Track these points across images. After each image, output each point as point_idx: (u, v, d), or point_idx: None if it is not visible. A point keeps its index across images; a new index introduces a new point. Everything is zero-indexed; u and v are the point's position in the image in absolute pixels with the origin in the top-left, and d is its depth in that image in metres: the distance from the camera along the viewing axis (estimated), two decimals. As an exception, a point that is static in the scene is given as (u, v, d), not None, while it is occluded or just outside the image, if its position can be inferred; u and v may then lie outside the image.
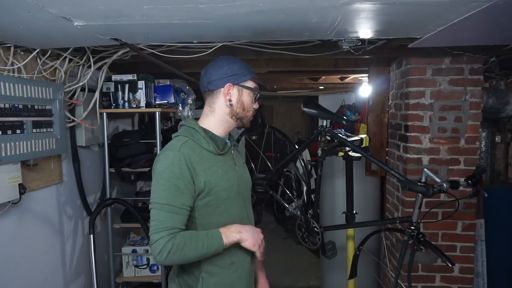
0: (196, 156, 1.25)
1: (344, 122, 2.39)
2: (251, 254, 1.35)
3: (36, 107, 1.81)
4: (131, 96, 2.49)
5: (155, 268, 2.73)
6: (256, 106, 1.38)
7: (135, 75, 2.48)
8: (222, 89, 1.31)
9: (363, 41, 1.94)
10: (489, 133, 2.90)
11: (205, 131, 1.33)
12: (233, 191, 1.31)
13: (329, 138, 2.23)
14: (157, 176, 1.22)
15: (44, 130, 1.88)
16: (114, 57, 2.13)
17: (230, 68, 1.31)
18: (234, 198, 1.33)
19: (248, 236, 1.27)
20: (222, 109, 1.33)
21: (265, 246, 1.35)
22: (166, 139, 2.80)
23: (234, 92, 1.32)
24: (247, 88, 1.33)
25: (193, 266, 1.30)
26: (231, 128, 1.39)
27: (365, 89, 3.62)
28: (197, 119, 1.40)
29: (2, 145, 1.59)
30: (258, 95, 1.38)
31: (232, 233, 1.25)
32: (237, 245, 1.29)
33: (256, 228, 1.34)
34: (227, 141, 1.39)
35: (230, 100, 1.32)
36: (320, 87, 4.70)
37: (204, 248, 1.19)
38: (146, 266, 2.71)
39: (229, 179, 1.30)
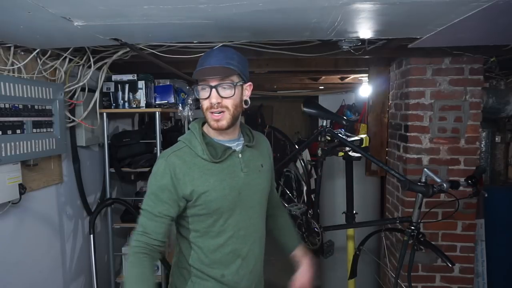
0: (185, 165, 1.20)
1: (344, 122, 2.40)
2: (250, 268, 1.32)
3: (36, 107, 1.81)
4: (131, 96, 2.48)
5: (155, 268, 2.72)
6: (207, 98, 1.19)
7: (135, 75, 2.48)
8: None
9: (363, 41, 1.94)
10: (489, 133, 2.89)
11: (204, 135, 1.27)
12: (228, 201, 1.23)
13: (329, 138, 2.23)
14: (147, 182, 1.26)
15: (44, 130, 1.87)
16: (114, 57, 2.13)
17: None
18: (230, 208, 1.25)
19: None
20: None
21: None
22: (166, 139, 2.81)
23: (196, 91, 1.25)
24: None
25: (184, 268, 1.31)
26: (220, 131, 1.24)
27: (365, 89, 3.62)
28: None
29: (2, 145, 1.59)
30: (199, 87, 1.21)
31: None
32: (230, 258, 1.27)
33: None
34: (232, 145, 1.29)
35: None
36: (320, 87, 4.69)
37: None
38: (146, 266, 2.70)
39: (223, 189, 1.22)
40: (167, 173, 1.19)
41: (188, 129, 1.32)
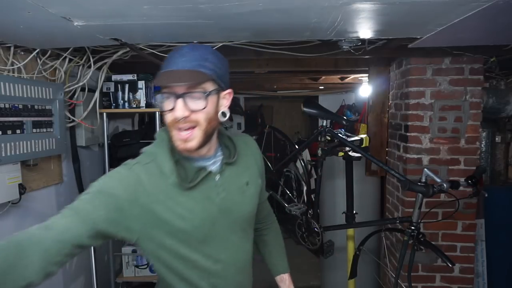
0: (151, 184, 0.95)
1: (344, 122, 2.39)
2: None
3: (36, 107, 1.81)
4: (131, 96, 2.48)
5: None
6: (170, 110, 0.93)
7: (135, 75, 2.48)
8: None
9: (363, 41, 1.94)
10: (489, 133, 2.90)
11: (174, 150, 0.99)
12: (198, 233, 1.00)
13: (329, 138, 2.23)
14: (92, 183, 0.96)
15: (44, 130, 1.87)
16: (114, 57, 2.13)
17: None
18: (201, 241, 1.01)
19: None
20: None
21: None
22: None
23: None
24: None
25: None
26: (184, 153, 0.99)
27: (365, 89, 3.62)
28: None
29: (2, 145, 1.59)
30: (161, 96, 0.94)
31: None
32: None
33: None
34: (208, 164, 1.03)
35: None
36: (320, 87, 4.70)
37: None
38: (146, 266, 2.71)
39: (192, 220, 0.98)
40: (124, 184, 0.93)
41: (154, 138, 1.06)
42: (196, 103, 0.92)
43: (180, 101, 0.91)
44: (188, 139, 0.94)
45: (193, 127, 0.94)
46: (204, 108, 0.93)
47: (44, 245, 0.83)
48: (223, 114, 1.00)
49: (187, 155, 1.01)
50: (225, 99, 1.01)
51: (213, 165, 1.05)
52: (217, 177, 1.04)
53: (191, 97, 0.92)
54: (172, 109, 0.92)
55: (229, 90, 1.02)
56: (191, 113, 0.92)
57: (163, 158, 0.98)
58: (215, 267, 1.05)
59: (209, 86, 0.94)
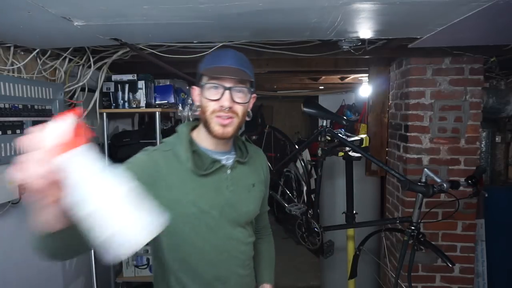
0: (168, 168, 1.08)
1: (344, 122, 2.40)
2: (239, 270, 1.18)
3: (36, 107, 1.81)
4: (131, 96, 2.48)
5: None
6: (216, 100, 1.06)
7: (135, 75, 2.48)
8: None
9: (363, 41, 1.94)
10: (489, 133, 2.90)
11: (192, 142, 1.14)
12: (206, 219, 1.10)
13: (329, 138, 2.23)
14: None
15: (44, 130, 1.87)
16: (114, 57, 2.13)
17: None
18: (209, 228, 1.10)
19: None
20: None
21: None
22: (166, 139, 2.80)
23: (196, 91, 1.14)
24: (201, 84, 1.11)
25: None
26: (215, 140, 1.12)
27: (365, 89, 3.62)
28: None
29: (2, 145, 1.59)
30: (208, 86, 1.07)
31: None
32: (212, 283, 1.12)
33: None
34: (222, 158, 1.15)
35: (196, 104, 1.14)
36: (320, 87, 4.70)
37: None
38: (146, 266, 2.71)
39: (203, 205, 1.09)
40: (143, 167, 1.05)
41: (175, 131, 1.19)
42: (240, 97, 1.08)
43: (228, 93, 1.06)
44: (228, 125, 1.08)
45: (232, 117, 1.08)
46: (246, 102, 1.09)
47: None
48: (249, 114, 1.16)
49: (205, 148, 1.13)
50: (250, 102, 1.15)
51: (227, 160, 1.16)
52: (229, 171, 1.15)
53: (238, 90, 1.07)
54: (218, 99, 1.06)
55: (254, 94, 1.16)
56: (234, 104, 1.07)
57: (181, 147, 1.10)
58: (220, 257, 1.13)
59: (249, 86, 1.11)
